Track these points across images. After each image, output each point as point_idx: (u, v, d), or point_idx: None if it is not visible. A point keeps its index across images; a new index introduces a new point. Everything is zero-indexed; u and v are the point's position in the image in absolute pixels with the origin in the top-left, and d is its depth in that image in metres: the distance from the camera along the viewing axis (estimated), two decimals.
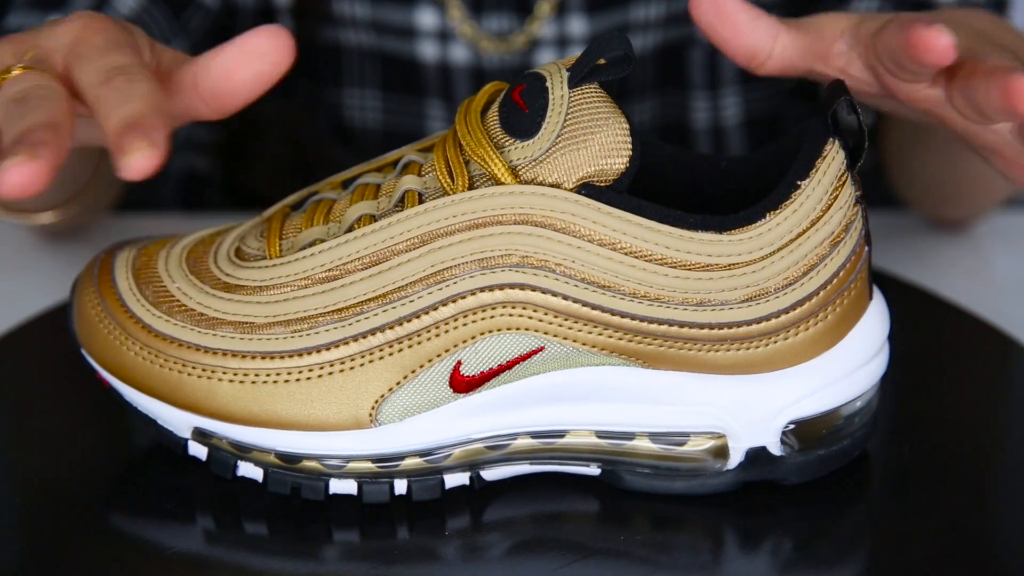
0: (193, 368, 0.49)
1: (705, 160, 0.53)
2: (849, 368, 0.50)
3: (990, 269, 0.67)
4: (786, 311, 0.48)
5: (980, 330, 0.58)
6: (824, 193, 0.48)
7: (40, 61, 0.47)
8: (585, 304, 0.48)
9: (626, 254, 0.47)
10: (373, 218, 0.49)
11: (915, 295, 0.61)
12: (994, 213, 0.74)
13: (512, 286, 0.48)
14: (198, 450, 0.50)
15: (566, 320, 0.48)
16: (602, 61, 0.48)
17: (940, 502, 0.51)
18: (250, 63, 0.48)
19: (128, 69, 0.45)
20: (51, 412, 0.56)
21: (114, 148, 0.43)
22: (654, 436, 0.50)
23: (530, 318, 0.48)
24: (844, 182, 0.49)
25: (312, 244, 0.50)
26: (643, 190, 0.50)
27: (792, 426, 0.50)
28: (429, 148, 0.52)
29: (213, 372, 0.49)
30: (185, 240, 0.53)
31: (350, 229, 0.50)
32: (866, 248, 0.50)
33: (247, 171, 0.82)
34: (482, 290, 0.48)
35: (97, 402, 0.54)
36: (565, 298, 0.48)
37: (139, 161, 0.42)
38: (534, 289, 0.48)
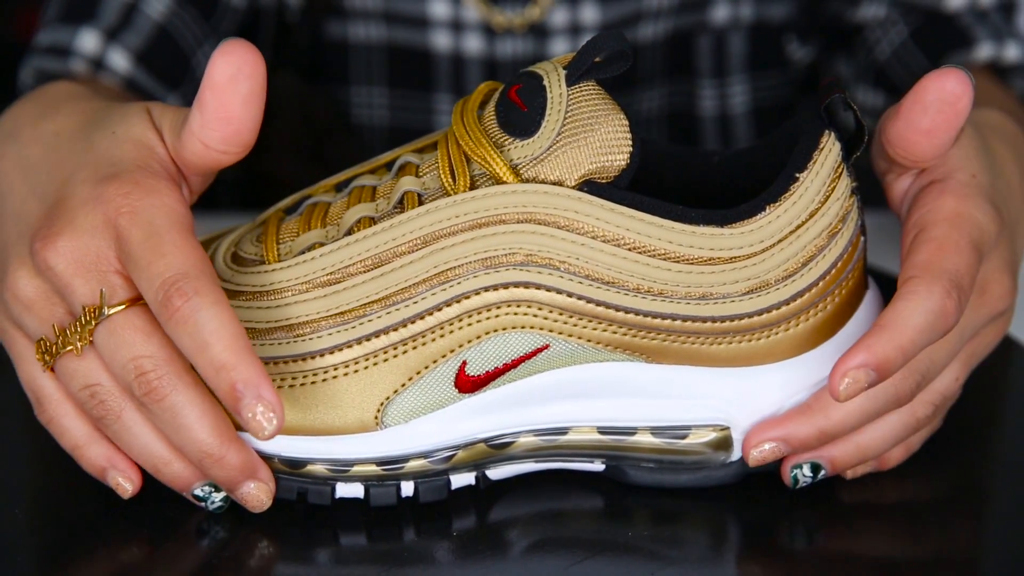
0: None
1: (697, 155, 0.54)
2: None
3: None
4: (786, 302, 0.49)
5: None
6: (822, 185, 0.49)
7: (113, 290, 0.47)
8: (590, 301, 0.48)
9: (630, 250, 0.48)
10: (372, 220, 0.49)
11: None
12: None
13: (517, 285, 0.48)
14: None
15: (571, 317, 0.48)
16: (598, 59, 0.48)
17: (937, 490, 0.52)
18: (235, 93, 0.46)
19: (183, 288, 0.45)
20: None
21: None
22: (655, 431, 0.51)
23: (535, 316, 0.48)
24: (840, 174, 0.49)
25: (311, 248, 0.50)
26: (636, 186, 0.51)
27: None
28: (423, 149, 0.52)
29: None
30: None
31: (349, 232, 0.49)
32: (862, 238, 0.51)
33: (263, 154, 0.82)
34: (486, 289, 0.48)
35: None
36: (570, 295, 0.48)
37: (267, 431, 0.45)
38: (539, 287, 0.48)
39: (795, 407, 0.49)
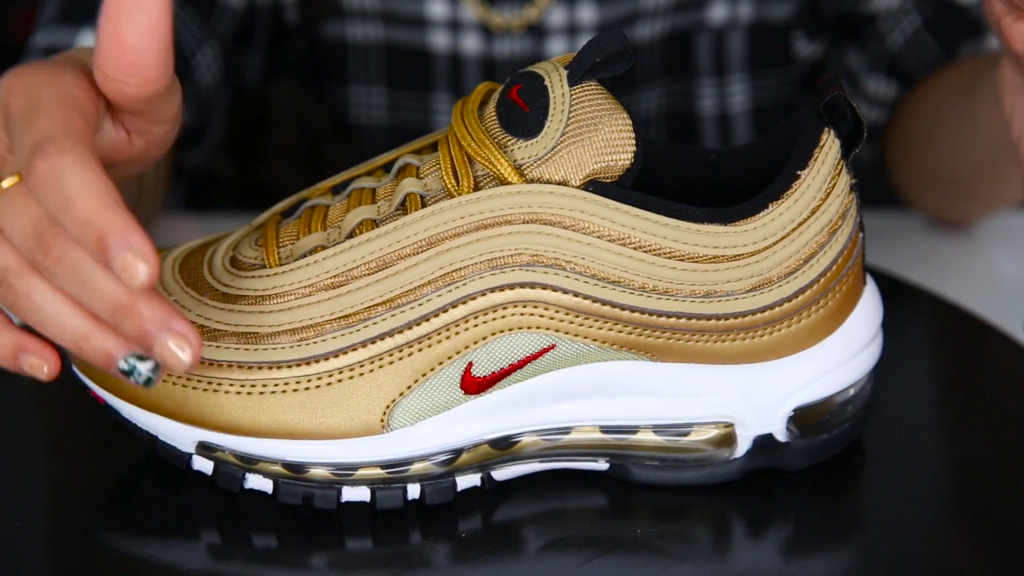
0: (198, 382, 0.49)
1: (694, 153, 0.54)
2: (849, 353, 0.51)
3: (990, 269, 0.68)
4: (789, 299, 0.49)
5: (972, 324, 0.59)
6: (823, 182, 0.49)
7: (3, 164, 0.46)
8: (596, 300, 0.48)
9: (635, 249, 0.48)
10: (375, 223, 0.49)
11: (908, 291, 0.62)
12: (995, 213, 0.75)
13: (523, 285, 0.48)
14: (203, 464, 0.50)
15: (577, 317, 0.48)
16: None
17: (934, 483, 0.52)
18: (129, 23, 0.44)
19: (45, 149, 0.43)
20: (42, 431, 0.54)
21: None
22: (658, 428, 0.51)
23: (541, 316, 0.48)
24: (840, 171, 0.49)
25: (313, 251, 0.50)
26: (636, 185, 0.51)
27: (795, 412, 0.51)
28: (421, 150, 0.52)
29: (219, 385, 0.49)
30: (174, 252, 0.52)
31: (351, 234, 0.49)
32: (860, 235, 0.51)
33: (259, 164, 0.81)
34: (492, 290, 0.48)
35: (82, 419, 0.53)
36: (576, 295, 0.48)
37: (141, 276, 0.42)
38: (545, 287, 0.48)
39: None
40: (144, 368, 0.45)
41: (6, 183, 0.45)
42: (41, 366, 0.47)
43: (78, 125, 0.44)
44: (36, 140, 0.43)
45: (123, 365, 0.45)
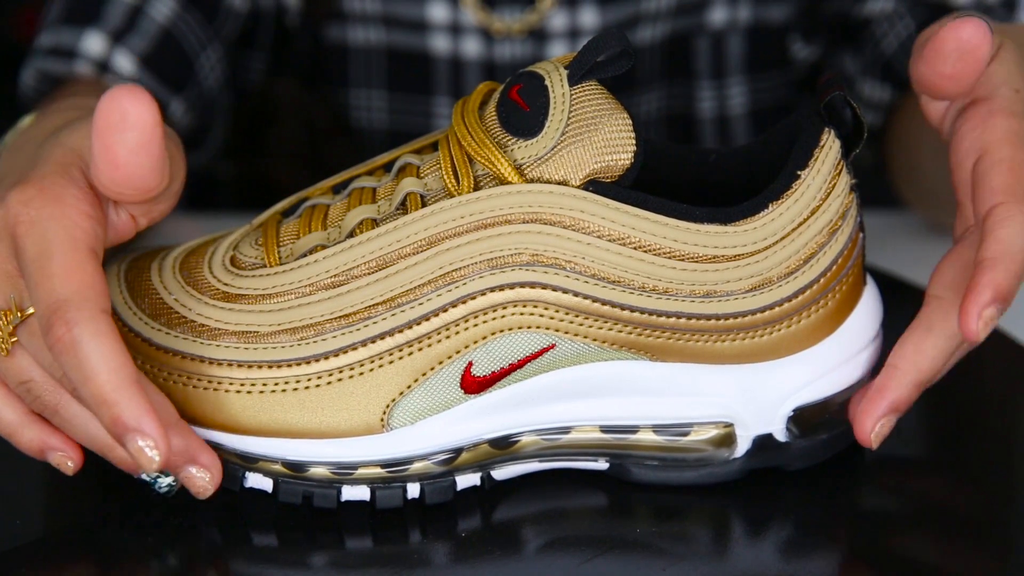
0: (199, 380, 0.49)
1: (694, 153, 0.54)
2: (849, 353, 0.51)
3: None
4: (789, 299, 0.49)
5: None
6: (823, 182, 0.49)
7: (22, 294, 0.47)
8: (595, 300, 0.48)
9: (635, 248, 0.48)
10: (375, 222, 0.49)
11: (908, 291, 0.62)
12: None
13: (523, 285, 0.48)
14: None
15: (576, 316, 0.48)
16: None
17: (935, 483, 0.53)
18: (120, 141, 0.45)
19: (63, 316, 0.44)
20: None
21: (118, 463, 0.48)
22: (658, 428, 0.51)
23: (541, 316, 0.48)
24: (840, 171, 0.50)
25: (313, 251, 0.50)
26: (636, 185, 0.51)
27: (795, 412, 0.51)
28: (422, 150, 0.52)
29: (220, 384, 0.49)
30: (175, 251, 0.53)
31: (351, 234, 0.49)
32: (860, 235, 0.51)
33: (263, 159, 0.81)
34: (492, 290, 0.48)
35: None
36: (576, 295, 0.48)
37: (153, 465, 0.44)
38: (544, 287, 0.48)
39: (882, 372, 0.49)
40: (165, 482, 0.48)
41: (31, 310, 0.47)
42: (66, 461, 0.49)
43: (91, 282, 0.45)
44: (53, 299, 0.45)
45: (145, 477, 0.48)
